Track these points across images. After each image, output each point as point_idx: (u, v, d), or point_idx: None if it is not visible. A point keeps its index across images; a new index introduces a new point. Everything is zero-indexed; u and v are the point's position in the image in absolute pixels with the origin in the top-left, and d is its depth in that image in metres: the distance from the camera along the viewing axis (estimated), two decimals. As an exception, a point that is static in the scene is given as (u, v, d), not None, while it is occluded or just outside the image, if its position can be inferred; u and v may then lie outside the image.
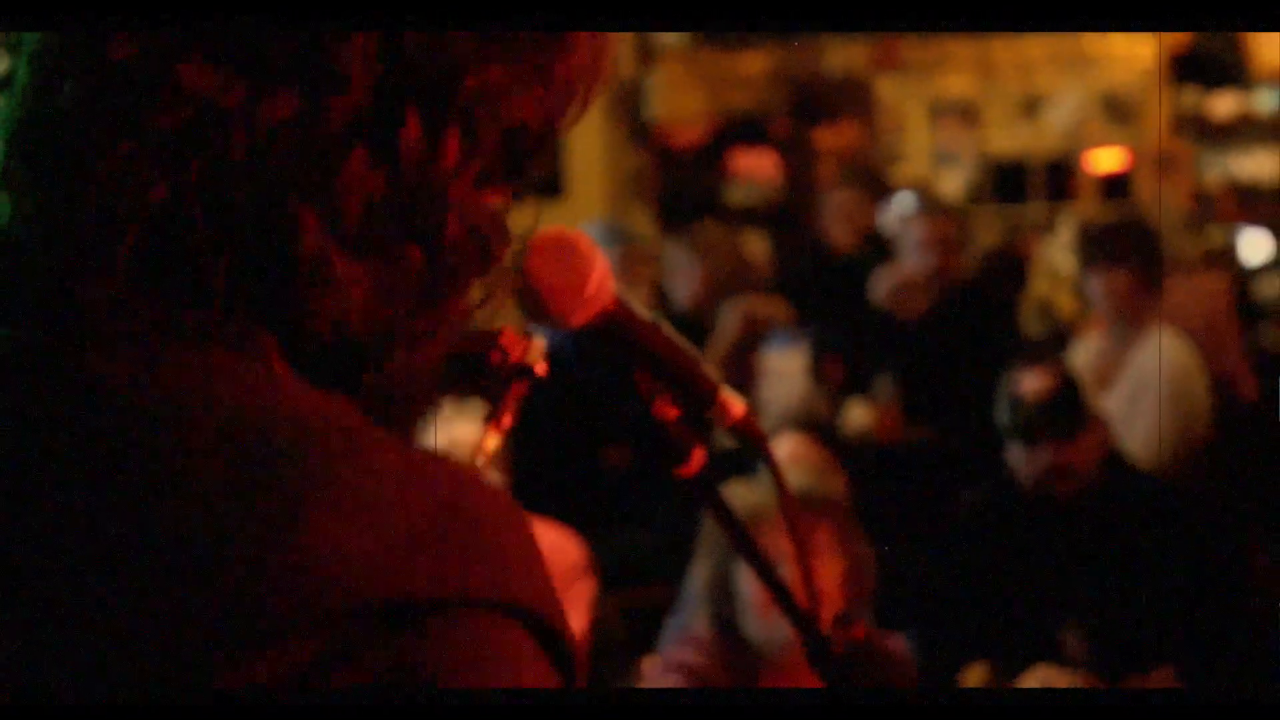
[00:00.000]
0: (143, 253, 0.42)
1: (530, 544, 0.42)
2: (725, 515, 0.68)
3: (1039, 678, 1.85)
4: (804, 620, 0.68)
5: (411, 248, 0.45)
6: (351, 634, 0.37)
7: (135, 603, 0.38)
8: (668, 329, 0.66)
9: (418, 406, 0.49)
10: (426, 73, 0.44)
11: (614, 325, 0.64)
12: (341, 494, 0.39)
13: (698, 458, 0.65)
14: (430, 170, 0.44)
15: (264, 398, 0.42)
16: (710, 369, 0.68)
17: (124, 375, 0.41)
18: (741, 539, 0.70)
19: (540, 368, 0.61)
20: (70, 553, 0.39)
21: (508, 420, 0.62)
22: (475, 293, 0.49)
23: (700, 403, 0.66)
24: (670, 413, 0.64)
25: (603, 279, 0.61)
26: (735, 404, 0.68)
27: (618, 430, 2.96)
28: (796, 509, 0.72)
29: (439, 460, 0.43)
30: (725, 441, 0.71)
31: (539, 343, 0.61)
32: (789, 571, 0.72)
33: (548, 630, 0.41)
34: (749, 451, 0.71)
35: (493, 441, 0.60)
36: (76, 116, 0.43)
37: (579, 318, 0.61)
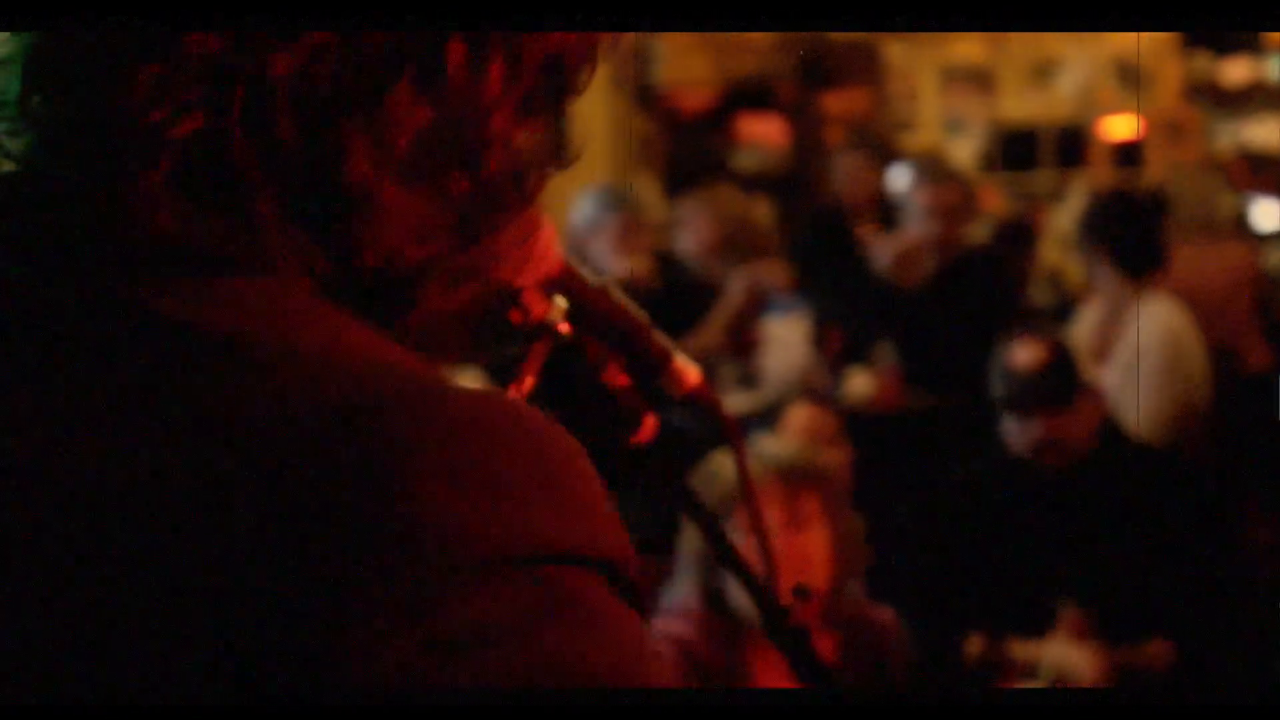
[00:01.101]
0: (184, 182, 0.40)
1: (602, 489, 0.41)
2: (676, 485, 0.67)
3: (1054, 653, 1.82)
4: (758, 589, 0.67)
5: (458, 178, 0.44)
6: (454, 591, 0.36)
7: (218, 560, 0.36)
8: (617, 294, 0.65)
9: (450, 349, 0.49)
10: None
11: (560, 289, 0.62)
12: (438, 449, 0.38)
13: (649, 426, 0.64)
14: (474, 98, 0.43)
15: (331, 334, 0.41)
16: (661, 336, 0.66)
17: (183, 309, 0.40)
18: (694, 509, 0.68)
19: (563, 327, 0.59)
20: (145, 502, 0.37)
21: (529, 382, 0.60)
22: (511, 231, 0.48)
23: (651, 370, 0.65)
24: (620, 379, 0.63)
25: (547, 242, 0.59)
26: (689, 372, 0.66)
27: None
28: (752, 481, 0.70)
29: (516, 405, 0.42)
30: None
31: (560, 301, 0.60)
32: (760, 542, 0.71)
33: (625, 578, 0.41)
34: (705, 422, 0.70)
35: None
36: (99, 43, 0.41)
37: (523, 280, 0.60)
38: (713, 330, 3.38)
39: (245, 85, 0.40)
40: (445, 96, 0.42)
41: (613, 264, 3.00)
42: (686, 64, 5.42)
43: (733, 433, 0.70)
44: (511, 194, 0.46)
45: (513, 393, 0.59)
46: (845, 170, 4.34)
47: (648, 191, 6.27)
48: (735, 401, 2.95)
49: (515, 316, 0.60)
